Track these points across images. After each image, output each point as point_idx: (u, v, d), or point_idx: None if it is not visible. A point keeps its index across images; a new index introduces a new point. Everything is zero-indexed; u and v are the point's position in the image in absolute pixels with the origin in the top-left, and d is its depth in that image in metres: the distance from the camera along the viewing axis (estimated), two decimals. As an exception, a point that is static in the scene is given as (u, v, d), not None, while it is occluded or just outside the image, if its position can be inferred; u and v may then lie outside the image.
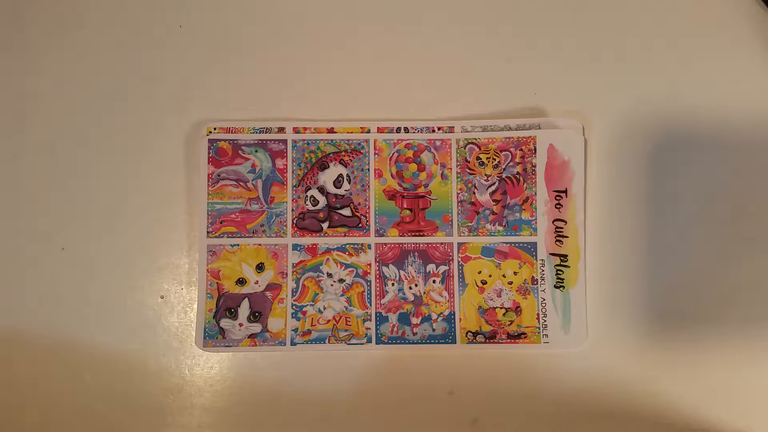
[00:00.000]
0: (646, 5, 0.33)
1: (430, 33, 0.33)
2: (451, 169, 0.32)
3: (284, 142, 0.32)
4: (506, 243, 0.32)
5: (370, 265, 0.32)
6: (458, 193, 0.32)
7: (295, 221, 0.32)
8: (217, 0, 0.33)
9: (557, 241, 0.32)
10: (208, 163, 0.32)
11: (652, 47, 0.33)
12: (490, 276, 0.32)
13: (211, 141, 0.32)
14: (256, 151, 0.32)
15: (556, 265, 0.32)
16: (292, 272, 0.32)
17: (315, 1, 0.33)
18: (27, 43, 0.33)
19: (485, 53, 0.33)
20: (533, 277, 0.32)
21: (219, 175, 0.32)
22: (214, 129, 0.32)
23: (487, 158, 0.32)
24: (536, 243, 0.32)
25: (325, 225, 0.32)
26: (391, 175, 0.32)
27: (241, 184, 0.32)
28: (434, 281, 0.32)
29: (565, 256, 0.32)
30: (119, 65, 0.32)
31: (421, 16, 0.33)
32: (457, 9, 0.33)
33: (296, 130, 0.32)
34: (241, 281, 0.32)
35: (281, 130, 0.32)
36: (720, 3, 0.33)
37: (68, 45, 0.33)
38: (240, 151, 0.32)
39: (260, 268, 0.32)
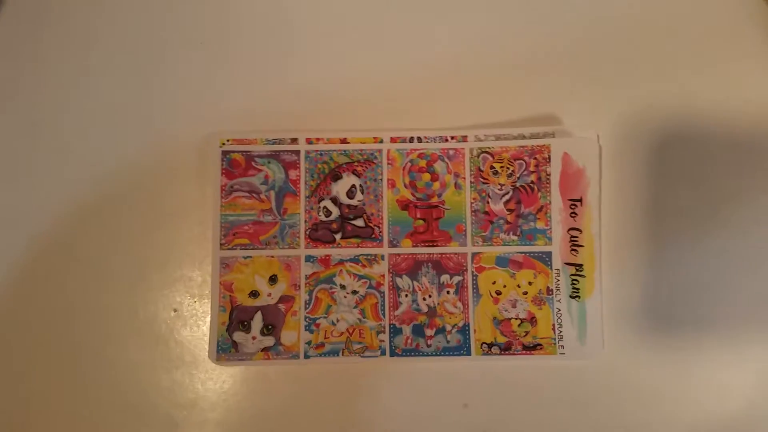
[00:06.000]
0: (658, 14, 0.33)
1: (442, 43, 0.33)
2: (464, 178, 0.32)
3: (297, 153, 0.32)
4: (521, 252, 0.32)
5: (383, 276, 0.32)
6: (472, 203, 0.32)
7: (308, 232, 0.32)
8: (231, 14, 0.33)
9: (572, 250, 0.31)
10: (222, 175, 0.32)
11: (664, 55, 0.33)
12: (504, 286, 0.32)
13: (224, 153, 0.32)
14: (269, 163, 0.32)
15: (572, 275, 0.31)
16: (305, 284, 0.31)
17: (328, 13, 0.33)
18: (42, 56, 0.33)
19: (498, 63, 0.33)
20: (548, 287, 0.31)
21: (232, 187, 0.32)
22: (228, 141, 0.32)
23: (500, 167, 0.32)
24: (551, 252, 0.32)
25: (338, 236, 0.32)
26: (405, 185, 0.32)
27: (254, 195, 0.32)
28: (448, 292, 0.32)
29: (581, 265, 0.31)
30: (133, 78, 0.32)
31: (433, 26, 0.33)
32: (470, 19, 0.33)
33: (309, 141, 0.32)
34: (254, 294, 0.31)
35: (294, 141, 0.32)
36: (732, 10, 0.33)
37: (84, 57, 0.33)
38: (253, 163, 0.32)
39: (273, 280, 0.31)
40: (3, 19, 0.33)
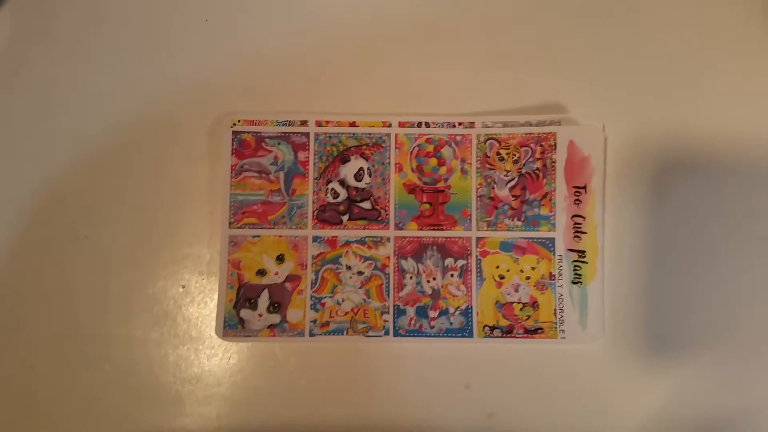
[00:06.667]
0: (668, 13, 0.33)
1: (452, 29, 0.33)
2: (471, 164, 0.32)
3: (306, 135, 0.32)
4: (524, 238, 0.32)
5: (389, 258, 0.32)
6: (477, 188, 0.32)
7: (315, 213, 0.32)
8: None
9: (575, 237, 0.32)
10: (232, 155, 0.32)
11: (672, 51, 0.33)
12: (507, 271, 0.32)
13: (235, 133, 0.32)
14: (279, 144, 0.32)
15: (574, 261, 0.32)
16: (312, 264, 0.32)
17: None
18: (55, 35, 0.33)
19: (507, 50, 0.33)
20: (551, 272, 0.32)
21: (242, 167, 0.32)
22: (238, 121, 0.32)
23: (507, 153, 0.32)
24: (554, 239, 0.32)
25: (345, 218, 0.32)
26: (412, 169, 0.32)
27: (264, 175, 0.32)
28: (452, 275, 0.32)
29: (583, 252, 0.32)
30: (144, 57, 0.33)
31: (443, 12, 0.33)
32: (479, 7, 0.33)
33: (319, 124, 0.32)
34: (262, 272, 0.32)
35: (304, 123, 0.32)
36: (737, 8, 0.33)
37: (94, 37, 0.33)
38: (263, 144, 0.32)
39: (280, 259, 0.32)
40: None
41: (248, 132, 0.32)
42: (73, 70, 0.33)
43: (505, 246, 0.32)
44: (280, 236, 0.32)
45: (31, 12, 0.33)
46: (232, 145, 0.32)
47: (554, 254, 0.32)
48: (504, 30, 0.33)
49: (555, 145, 0.32)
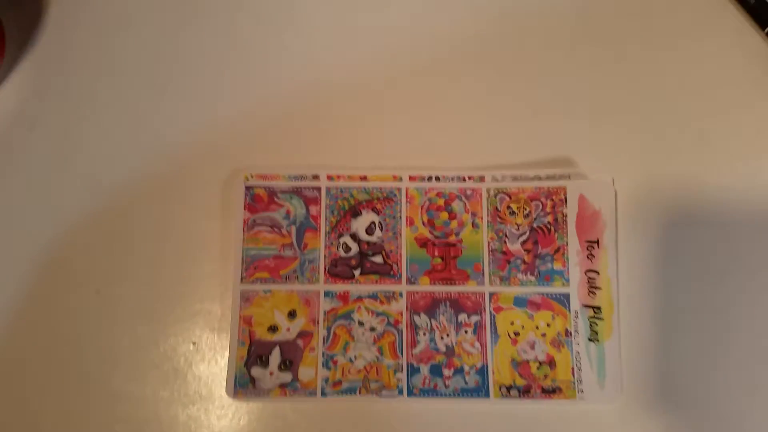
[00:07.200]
0: (675, 67, 0.34)
1: (460, 84, 0.34)
2: (482, 218, 0.32)
3: (318, 189, 0.33)
4: (539, 293, 0.32)
5: (401, 313, 0.32)
6: (489, 242, 0.32)
7: (327, 268, 0.32)
8: (255, 51, 0.34)
9: (590, 292, 0.31)
10: (245, 209, 0.32)
11: (679, 105, 0.33)
12: (522, 327, 0.31)
13: (247, 188, 0.33)
14: (291, 198, 0.33)
15: (590, 318, 0.31)
16: (324, 319, 0.32)
17: (349, 52, 0.34)
18: (70, 91, 0.34)
19: (515, 105, 0.34)
20: (567, 329, 0.31)
21: (254, 221, 0.32)
22: (251, 176, 0.33)
23: (517, 207, 0.32)
24: (569, 294, 0.32)
25: (357, 272, 0.32)
26: (423, 223, 0.32)
27: (276, 230, 0.32)
28: (466, 331, 0.31)
29: (599, 308, 0.31)
30: (156, 112, 0.33)
31: (451, 67, 0.34)
32: (488, 61, 0.34)
33: (330, 178, 0.33)
34: (273, 328, 0.31)
35: (316, 177, 0.33)
36: (745, 61, 0.34)
37: (108, 91, 0.34)
38: (275, 198, 0.33)
39: (292, 314, 0.32)
40: (36, 53, 0.34)
41: (261, 186, 0.33)
42: (87, 125, 0.33)
43: (519, 301, 0.32)
44: (292, 291, 0.32)
45: (47, 68, 0.34)
46: (245, 199, 0.32)
47: (569, 310, 0.31)
48: (512, 84, 0.34)
49: (565, 199, 0.32)
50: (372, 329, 0.31)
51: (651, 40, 0.34)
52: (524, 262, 0.32)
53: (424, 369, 0.31)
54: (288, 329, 0.31)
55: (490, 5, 0.35)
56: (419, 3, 0.35)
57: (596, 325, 0.31)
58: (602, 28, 0.34)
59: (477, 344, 0.31)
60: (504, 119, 0.33)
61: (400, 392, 0.31)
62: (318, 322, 0.31)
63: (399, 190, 0.33)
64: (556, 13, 0.35)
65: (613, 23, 0.34)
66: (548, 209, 0.32)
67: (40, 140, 0.33)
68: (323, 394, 0.31)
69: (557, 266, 0.32)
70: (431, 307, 0.32)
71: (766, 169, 0.33)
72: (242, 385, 0.31)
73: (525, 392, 0.31)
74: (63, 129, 0.33)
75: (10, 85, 0.34)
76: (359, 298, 0.32)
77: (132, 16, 0.34)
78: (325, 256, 0.32)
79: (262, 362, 0.31)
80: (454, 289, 0.32)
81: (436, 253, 0.32)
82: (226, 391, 0.31)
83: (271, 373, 0.31)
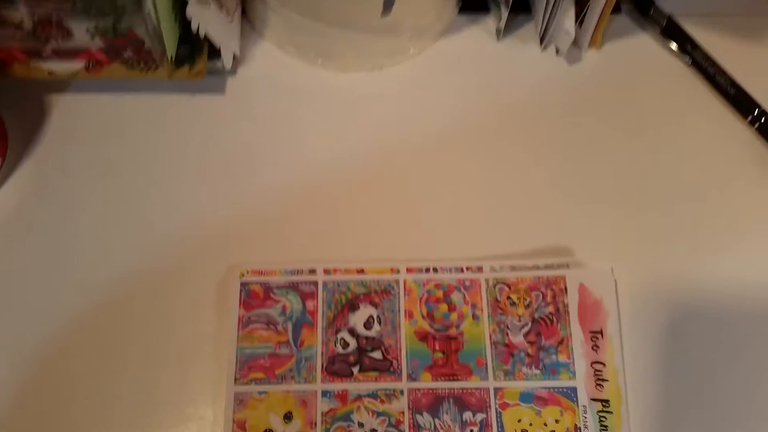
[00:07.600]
0: (666, 154, 0.35)
1: (455, 175, 0.34)
2: (482, 309, 0.32)
3: (315, 283, 0.32)
4: (545, 388, 0.31)
5: (403, 413, 0.30)
6: (491, 335, 0.31)
7: (324, 365, 0.31)
8: (250, 150, 0.35)
9: (598, 385, 0.30)
10: (240, 306, 0.31)
11: (675, 193, 0.34)
12: (531, 425, 0.30)
13: (243, 284, 0.32)
14: (288, 293, 0.32)
15: (599, 412, 0.30)
16: (322, 422, 0.30)
17: (344, 146, 0.35)
18: (67, 191, 0.34)
19: (511, 195, 0.34)
20: (576, 424, 0.30)
21: (249, 318, 0.31)
22: (247, 272, 0.32)
23: (517, 298, 0.32)
24: (576, 388, 0.31)
25: (355, 369, 0.31)
26: (422, 315, 0.32)
27: (272, 327, 0.31)
28: (472, 431, 0.30)
29: (607, 401, 0.30)
30: (155, 212, 0.33)
31: (446, 159, 0.35)
32: (483, 152, 0.35)
33: (327, 272, 0.32)
34: (268, 433, 0.30)
35: (312, 271, 0.32)
36: (733, 149, 0.35)
37: (103, 190, 0.34)
38: (271, 294, 0.32)
39: (288, 417, 0.30)
40: (36, 154, 0.34)
41: (256, 282, 0.32)
42: (83, 223, 0.33)
43: (525, 397, 0.30)
44: (288, 392, 0.30)
45: (44, 168, 0.34)
46: (240, 296, 0.32)
47: (577, 405, 0.30)
48: (507, 174, 0.34)
49: (566, 288, 0.32)
50: (373, 431, 0.30)
51: (642, 131, 0.36)
52: (528, 354, 0.31)
53: (430, 474, 0.29)
54: (284, 433, 0.30)
55: (484, 99, 0.36)
56: (411, 99, 0.36)
57: (606, 419, 0.30)
58: (595, 121, 0.36)
59: (484, 445, 0.30)
60: (500, 209, 0.34)
61: (404, 501, 0.29)
62: (315, 425, 0.30)
63: (397, 282, 0.32)
64: (551, 106, 0.36)
65: (605, 117, 0.36)
66: (549, 299, 0.32)
67: (37, 239, 0.33)
68: (322, 504, 0.29)
69: (562, 358, 0.31)
70: (434, 404, 0.30)
71: (760, 251, 0.33)
72: (235, 497, 0.29)
73: (537, 496, 0.29)
74: (60, 229, 0.33)
75: (10, 185, 0.34)
76: (358, 397, 0.30)
77: (127, 120, 0.35)
78: (322, 353, 0.31)
79: (256, 471, 0.29)
80: (457, 385, 0.31)
81: (437, 347, 0.31)
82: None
83: (266, 484, 0.29)
